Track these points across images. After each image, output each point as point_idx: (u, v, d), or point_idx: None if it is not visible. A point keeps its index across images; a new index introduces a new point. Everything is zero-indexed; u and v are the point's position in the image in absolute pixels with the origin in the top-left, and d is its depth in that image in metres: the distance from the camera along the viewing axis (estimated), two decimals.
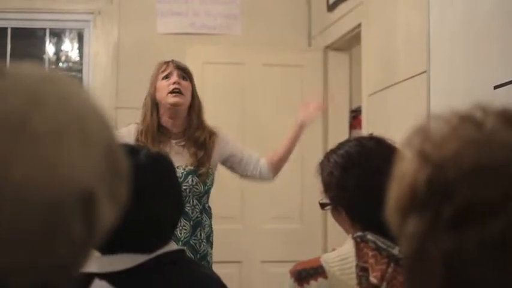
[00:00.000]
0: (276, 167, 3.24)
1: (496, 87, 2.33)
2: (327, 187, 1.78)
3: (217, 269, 1.67)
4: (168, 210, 1.54)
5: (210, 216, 3.18)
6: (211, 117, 4.81)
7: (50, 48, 5.47)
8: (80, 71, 5.27)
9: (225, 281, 1.62)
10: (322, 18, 4.94)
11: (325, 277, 1.62)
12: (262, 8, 5.10)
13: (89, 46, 5.09)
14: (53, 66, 5.47)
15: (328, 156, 1.82)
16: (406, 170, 0.79)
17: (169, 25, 5.03)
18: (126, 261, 1.45)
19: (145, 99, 3.14)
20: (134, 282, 1.43)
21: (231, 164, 3.22)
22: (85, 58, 5.14)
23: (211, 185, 3.15)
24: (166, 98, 3.03)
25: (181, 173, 3.00)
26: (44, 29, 5.32)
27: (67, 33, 5.57)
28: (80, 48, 5.41)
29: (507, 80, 2.27)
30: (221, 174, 3.31)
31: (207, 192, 3.12)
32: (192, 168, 3.03)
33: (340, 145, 1.82)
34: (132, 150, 1.51)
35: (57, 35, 5.54)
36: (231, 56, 4.94)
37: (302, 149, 4.91)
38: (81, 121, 0.73)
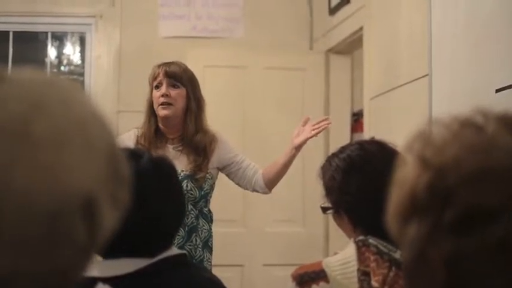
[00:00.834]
0: (272, 183, 3.21)
1: (497, 90, 2.33)
2: (329, 191, 1.78)
3: (219, 272, 1.67)
4: (170, 215, 1.53)
5: (209, 220, 3.16)
6: (212, 120, 4.82)
7: (51, 52, 5.48)
8: (82, 74, 5.27)
9: (227, 284, 1.62)
10: (324, 21, 4.94)
11: (327, 281, 1.61)
12: (264, 12, 5.10)
13: (90, 50, 5.09)
14: (55, 70, 5.48)
15: (329, 160, 1.82)
16: (406, 175, 0.79)
17: (171, 28, 5.03)
18: (128, 265, 1.45)
19: (146, 103, 3.14)
20: (136, 286, 1.42)
21: (228, 172, 3.20)
22: (87, 62, 5.15)
23: (210, 190, 3.13)
24: (158, 110, 3.04)
25: None
26: (46, 33, 5.33)
27: (69, 37, 5.58)
28: (82, 52, 5.41)
29: (509, 84, 2.27)
30: (223, 177, 3.30)
31: (204, 198, 3.10)
32: (188, 173, 3.02)
33: (342, 149, 1.82)
34: (134, 155, 1.51)
35: (59, 39, 5.54)
36: (233, 59, 4.94)
37: (304, 152, 4.90)
38: (82, 126, 0.73)
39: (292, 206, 4.88)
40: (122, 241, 1.44)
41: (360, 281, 1.60)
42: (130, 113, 4.29)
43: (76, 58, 5.64)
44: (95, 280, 1.40)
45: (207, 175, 3.08)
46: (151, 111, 3.08)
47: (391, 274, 1.58)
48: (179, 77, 3.07)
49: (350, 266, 1.62)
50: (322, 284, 1.62)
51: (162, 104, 3.02)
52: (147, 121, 3.09)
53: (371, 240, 1.64)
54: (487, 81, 2.41)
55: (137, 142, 3.06)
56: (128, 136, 3.11)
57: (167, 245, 1.52)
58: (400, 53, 3.53)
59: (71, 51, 5.63)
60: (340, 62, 5.04)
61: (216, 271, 1.64)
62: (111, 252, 1.44)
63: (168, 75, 3.05)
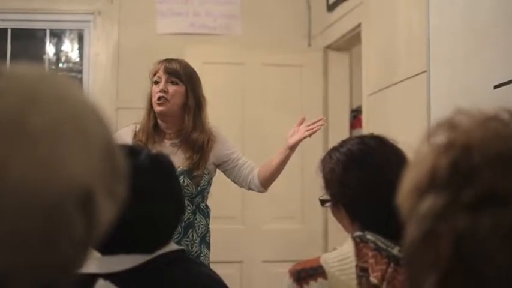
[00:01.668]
0: (267, 182, 3.21)
1: (496, 86, 2.33)
2: (328, 184, 1.78)
3: (218, 269, 1.67)
4: (168, 211, 1.54)
5: (206, 216, 3.16)
6: (211, 116, 4.82)
7: (50, 49, 5.47)
8: (80, 71, 5.27)
9: (226, 281, 1.62)
10: (322, 18, 4.94)
11: (325, 277, 1.61)
12: (262, 8, 5.10)
13: (89, 47, 5.09)
14: (53, 67, 5.47)
15: (330, 153, 1.82)
16: (427, 154, 0.80)
17: (170, 25, 5.03)
18: (126, 261, 1.45)
19: (146, 97, 3.15)
20: (135, 283, 1.43)
21: (224, 169, 3.20)
22: (85, 59, 5.14)
23: (207, 185, 3.13)
24: (155, 105, 3.06)
25: None
26: (44, 30, 5.32)
27: (67, 34, 5.57)
28: (80, 49, 5.41)
29: (507, 80, 2.27)
30: (223, 174, 3.30)
31: (201, 193, 3.10)
32: (184, 169, 3.02)
33: (343, 143, 1.82)
34: (132, 151, 1.52)
35: (57, 36, 5.54)
36: (231, 56, 4.94)
37: (303, 148, 4.91)
38: (78, 119, 0.73)
39: (291, 202, 4.88)
40: (121, 237, 1.44)
41: (358, 277, 1.60)
42: (128, 109, 4.29)
43: (74, 55, 5.63)
44: (95, 276, 1.41)
45: (204, 171, 3.09)
46: (150, 106, 3.10)
47: (390, 270, 1.58)
48: (178, 74, 3.08)
49: (348, 262, 1.62)
50: (320, 280, 1.62)
51: (158, 99, 3.03)
52: (146, 115, 3.11)
53: (369, 236, 1.64)
54: (486, 77, 2.41)
55: (135, 137, 3.07)
56: (126, 132, 3.12)
57: (166, 241, 1.53)
58: (398, 49, 3.53)
59: (69, 48, 5.62)
60: (339, 58, 5.04)
61: (215, 268, 1.64)
62: (109, 248, 1.45)
63: (167, 71, 3.06)
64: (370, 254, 1.61)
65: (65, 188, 0.70)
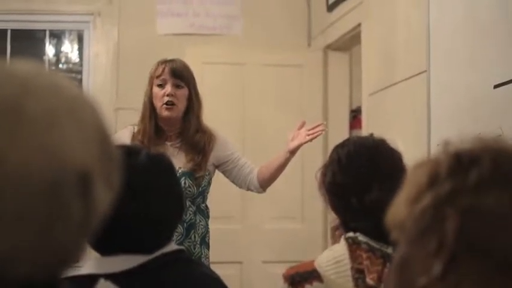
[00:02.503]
0: (266, 183, 3.20)
1: (496, 86, 2.33)
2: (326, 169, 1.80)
3: (217, 269, 1.67)
4: (168, 211, 1.54)
5: (205, 216, 3.16)
6: (211, 117, 4.81)
7: (50, 50, 5.48)
8: (80, 72, 5.27)
9: (226, 281, 1.62)
10: (322, 18, 4.93)
11: (321, 281, 1.62)
12: (262, 9, 5.10)
13: (88, 47, 5.09)
14: (53, 68, 5.47)
15: (334, 148, 1.84)
16: (423, 163, 0.83)
17: (169, 26, 5.03)
18: (127, 262, 1.45)
19: (144, 98, 3.11)
20: (136, 283, 1.43)
21: (224, 169, 3.19)
22: (85, 59, 5.14)
23: (207, 186, 3.13)
24: (161, 110, 3.02)
25: None
26: (44, 31, 5.32)
27: (67, 35, 5.57)
28: (80, 50, 5.41)
29: (507, 79, 2.27)
30: (222, 175, 3.30)
31: (202, 194, 3.10)
32: (185, 170, 3.01)
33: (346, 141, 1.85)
34: (132, 151, 1.52)
35: (57, 37, 5.54)
36: (231, 56, 4.94)
37: (302, 149, 4.89)
38: (72, 106, 0.76)
39: (291, 202, 4.88)
40: (120, 237, 1.45)
41: (355, 279, 1.60)
42: (128, 110, 4.28)
43: (74, 56, 5.63)
44: (96, 277, 1.41)
45: (205, 172, 3.09)
46: (151, 108, 3.06)
47: (386, 270, 1.58)
48: (184, 76, 3.06)
49: (343, 265, 1.62)
50: (315, 283, 1.62)
51: (166, 103, 3.00)
52: (146, 118, 3.06)
53: (361, 238, 1.64)
54: (485, 77, 2.41)
55: (133, 139, 3.05)
56: (123, 133, 3.10)
57: (166, 241, 1.53)
58: (398, 49, 3.53)
59: (69, 49, 5.63)
60: (338, 58, 5.04)
61: (214, 268, 1.64)
62: (109, 248, 1.45)
63: (173, 74, 3.03)
64: (364, 255, 1.61)
65: (63, 172, 0.72)
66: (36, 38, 5.42)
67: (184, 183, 2.99)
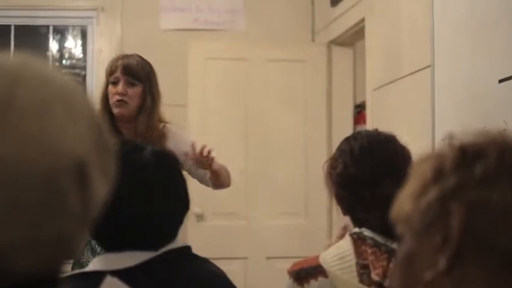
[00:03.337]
0: (217, 188, 3.10)
1: (500, 81, 2.32)
2: (330, 178, 1.78)
3: (222, 265, 1.67)
4: (173, 207, 1.54)
5: None
6: (214, 112, 4.83)
7: (53, 46, 5.48)
8: (84, 67, 5.27)
9: (231, 277, 1.62)
10: (326, 13, 4.93)
11: (326, 276, 1.61)
12: (266, 4, 5.09)
13: (92, 43, 5.08)
14: (57, 63, 5.47)
15: (345, 140, 1.83)
16: (428, 157, 0.83)
17: (173, 21, 5.02)
18: (132, 258, 1.45)
19: (100, 93, 3.01)
20: (142, 279, 1.43)
21: (185, 169, 3.02)
22: (88, 55, 5.14)
23: None
24: (112, 107, 2.94)
25: None
26: (47, 26, 5.32)
27: (70, 30, 5.57)
28: (84, 45, 5.41)
29: None
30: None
31: None
32: None
33: (357, 133, 1.85)
34: (136, 148, 1.52)
35: (61, 32, 5.54)
36: (234, 51, 4.93)
37: (306, 144, 4.91)
38: (62, 95, 0.75)
39: (294, 198, 4.88)
40: (126, 234, 1.45)
41: (360, 274, 1.60)
42: None
43: (78, 51, 5.63)
44: (102, 273, 1.41)
45: None
46: (106, 106, 2.96)
47: (391, 265, 1.58)
48: (137, 74, 2.96)
49: (348, 261, 1.62)
50: (320, 279, 1.62)
51: (117, 101, 2.92)
52: (101, 113, 2.91)
53: (366, 233, 1.64)
54: (490, 72, 2.40)
55: None
56: None
57: (171, 238, 1.52)
58: (402, 44, 3.53)
59: (73, 44, 5.62)
60: (342, 53, 5.04)
61: (219, 264, 1.63)
62: (115, 245, 1.46)
63: (126, 72, 2.94)
64: (369, 251, 1.61)
65: (59, 161, 0.72)
66: (39, 33, 5.42)
67: None
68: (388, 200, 0.86)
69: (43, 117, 0.72)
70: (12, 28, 5.08)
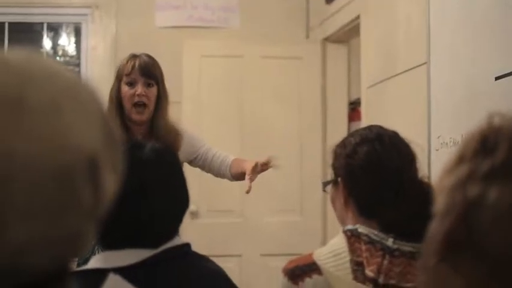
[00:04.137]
0: (237, 179, 3.11)
1: (497, 78, 2.32)
2: (336, 157, 1.77)
3: (217, 262, 1.67)
4: (173, 205, 1.54)
5: None
6: (209, 109, 4.82)
7: (47, 43, 5.47)
8: (78, 65, 5.26)
9: None
10: (321, 10, 4.92)
11: (320, 273, 1.61)
12: (260, 1, 5.09)
13: (86, 40, 5.07)
14: None
15: (347, 136, 1.82)
16: (477, 129, 0.81)
17: (168, 18, 5.01)
18: (131, 256, 1.45)
19: (110, 93, 2.96)
20: (143, 277, 1.43)
21: (196, 165, 3.04)
22: (82, 52, 5.13)
23: None
24: (131, 111, 2.88)
25: None
26: (42, 24, 5.31)
27: (64, 28, 5.56)
28: (78, 43, 5.40)
29: (508, 71, 2.26)
30: None
31: None
32: None
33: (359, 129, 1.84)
34: (137, 145, 1.52)
35: (55, 29, 5.53)
36: (229, 48, 4.93)
37: (301, 141, 4.91)
38: (72, 92, 0.76)
39: (289, 195, 4.88)
40: (126, 231, 1.45)
41: (354, 271, 1.59)
42: None
43: (71, 49, 5.62)
44: (104, 271, 1.41)
45: None
46: (118, 106, 2.90)
47: (385, 262, 1.58)
48: (153, 75, 2.91)
49: (342, 258, 1.61)
50: (315, 276, 1.61)
51: (137, 103, 2.87)
52: (112, 116, 2.78)
53: (361, 230, 1.63)
54: (487, 69, 2.40)
55: None
56: None
57: (171, 235, 1.52)
58: (397, 41, 3.52)
59: (67, 41, 5.61)
60: (337, 50, 5.04)
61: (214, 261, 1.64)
62: (115, 242, 1.46)
63: (143, 73, 2.89)
64: (363, 247, 1.61)
65: (71, 158, 0.72)
66: (33, 31, 5.41)
67: None
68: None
69: (54, 115, 0.72)
70: (6, 25, 5.07)
